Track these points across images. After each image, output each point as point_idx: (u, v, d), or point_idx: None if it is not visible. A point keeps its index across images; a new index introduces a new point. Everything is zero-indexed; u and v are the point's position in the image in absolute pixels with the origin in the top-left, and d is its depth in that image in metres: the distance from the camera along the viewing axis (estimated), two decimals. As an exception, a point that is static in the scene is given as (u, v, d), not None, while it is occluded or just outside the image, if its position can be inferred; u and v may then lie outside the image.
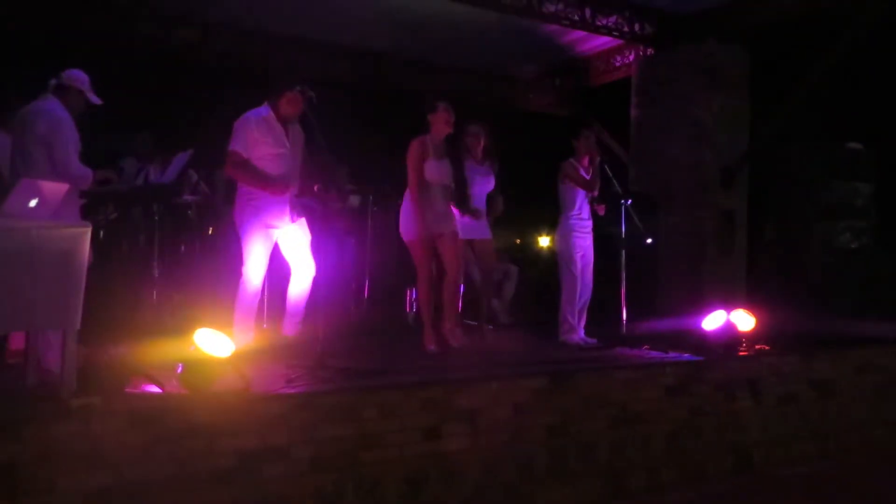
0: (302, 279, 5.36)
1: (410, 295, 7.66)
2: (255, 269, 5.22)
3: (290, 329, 5.42)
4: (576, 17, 8.17)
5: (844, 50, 7.57)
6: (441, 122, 5.74)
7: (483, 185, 6.44)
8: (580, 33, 8.90)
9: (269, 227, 5.20)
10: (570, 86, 10.46)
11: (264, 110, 5.27)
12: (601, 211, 6.54)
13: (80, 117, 4.76)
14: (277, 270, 5.60)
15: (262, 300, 5.88)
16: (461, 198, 5.91)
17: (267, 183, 5.15)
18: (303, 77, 5.47)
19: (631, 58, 9.40)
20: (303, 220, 5.36)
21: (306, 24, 8.80)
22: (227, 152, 5.21)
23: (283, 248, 5.34)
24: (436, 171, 5.72)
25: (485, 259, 6.52)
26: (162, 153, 7.05)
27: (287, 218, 5.25)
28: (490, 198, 6.49)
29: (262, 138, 5.19)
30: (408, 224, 5.74)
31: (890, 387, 6.57)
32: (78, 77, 4.74)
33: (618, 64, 9.65)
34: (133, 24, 8.41)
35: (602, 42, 9.42)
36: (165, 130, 7.80)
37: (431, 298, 5.78)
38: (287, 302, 5.43)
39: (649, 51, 9.02)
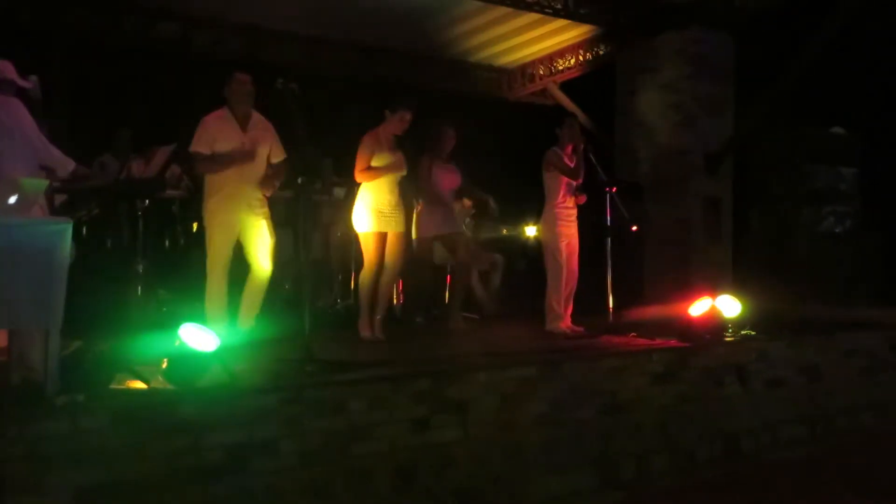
0: (256, 278, 5.44)
1: (398, 286, 7.65)
2: (217, 263, 5.31)
3: (245, 323, 5.45)
4: (558, 6, 8.15)
5: (828, 36, 7.59)
6: (397, 122, 5.95)
7: (452, 182, 6.74)
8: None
9: (228, 223, 5.31)
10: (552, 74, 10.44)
11: (221, 110, 5.39)
12: (581, 200, 6.55)
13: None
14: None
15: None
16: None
17: (233, 158, 5.27)
18: (286, 68, 5.46)
19: (613, 46, 9.37)
20: (265, 222, 5.42)
21: (289, 18, 8.75)
22: (191, 155, 5.37)
23: (244, 245, 5.41)
24: (386, 164, 5.92)
25: (458, 252, 6.67)
26: (144, 148, 7.00)
27: (245, 213, 5.34)
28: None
29: (218, 136, 5.32)
30: (358, 217, 5.98)
31: (876, 370, 6.61)
32: (3, 67, 4.68)
33: (601, 53, 9.62)
34: (115, 19, 8.37)
35: (584, 31, 9.40)
36: (148, 125, 7.74)
37: (371, 289, 5.98)
38: (242, 297, 5.47)
39: (633, 38, 9.00)
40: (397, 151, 6.00)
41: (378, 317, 6.05)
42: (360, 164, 5.90)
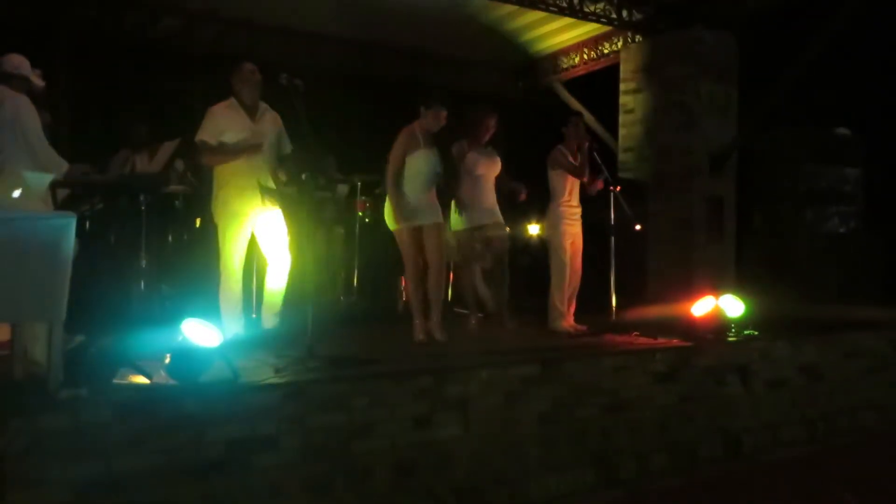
0: (276, 272, 5.43)
1: (401, 284, 7.65)
2: (231, 258, 5.30)
3: (268, 322, 5.47)
4: (563, 4, 8.14)
5: (832, 35, 7.57)
6: (432, 120, 5.68)
7: (489, 168, 6.40)
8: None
9: (240, 215, 5.29)
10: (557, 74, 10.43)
11: (228, 100, 5.37)
12: (600, 185, 6.49)
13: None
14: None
15: (253, 290, 5.91)
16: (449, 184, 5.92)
17: (240, 150, 5.24)
18: (288, 65, 5.45)
19: (618, 45, 9.37)
20: (278, 212, 5.40)
21: (291, 14, 8.75)
22: (195, 144, 5.33)
23: (259, 238, 5.40)
24: (425, 160, 5.69)
25: (495, 244, 6.39)
26: (149, 143, 7.02)
27: (258, 205, 5.31)
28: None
29: (227, 126, 5.30)
30: (390, 214, 5.74)
31: (877, 371, 6.61)
32: (19, 63, 4.68)
33: (605, 51, 9.62)
34: (118, 15, 8.37)
35: (588, 29, 9.40)
36: (152, 120, 7.74)
37: (420, 289, 5.76)
38: (264, 295, 5.49)
39: (637, 37, 9.00)
40: (434, 148, 5.73)
41: (434, 319, 5.75)
42: (394, 162, 5.66)
